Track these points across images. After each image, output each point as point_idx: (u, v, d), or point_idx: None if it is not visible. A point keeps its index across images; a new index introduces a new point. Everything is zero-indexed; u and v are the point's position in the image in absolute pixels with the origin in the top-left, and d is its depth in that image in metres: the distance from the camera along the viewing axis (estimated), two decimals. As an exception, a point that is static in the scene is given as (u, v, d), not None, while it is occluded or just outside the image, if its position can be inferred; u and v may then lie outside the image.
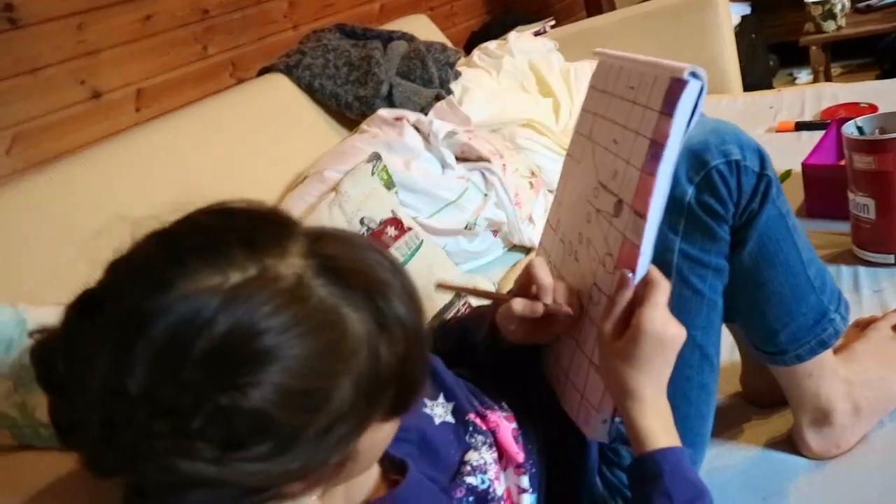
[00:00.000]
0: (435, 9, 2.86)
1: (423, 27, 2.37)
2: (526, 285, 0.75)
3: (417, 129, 1.57)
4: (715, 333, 0.81)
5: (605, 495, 0.81)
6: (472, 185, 1.53)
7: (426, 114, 1.78)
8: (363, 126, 1.64)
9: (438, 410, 0.75)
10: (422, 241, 1.36)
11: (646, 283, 0.66)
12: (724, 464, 0.68)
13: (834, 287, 0.85)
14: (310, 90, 1.84)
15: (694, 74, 0.64)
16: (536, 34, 2.33)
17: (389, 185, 1.43)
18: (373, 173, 1.41)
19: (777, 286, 0.80)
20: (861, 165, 1.12)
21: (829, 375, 0.84)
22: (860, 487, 0.85)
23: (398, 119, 1.57)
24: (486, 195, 1.54)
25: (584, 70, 2.18)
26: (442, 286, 0.82)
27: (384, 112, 1.62)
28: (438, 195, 1.49)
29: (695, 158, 0.76)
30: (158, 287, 0.44)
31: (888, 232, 1.15)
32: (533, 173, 1.74)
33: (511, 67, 2.13)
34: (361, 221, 1.33)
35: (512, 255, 1.63)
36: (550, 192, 1.77)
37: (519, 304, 0.72)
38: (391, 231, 1.34)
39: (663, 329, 0.64)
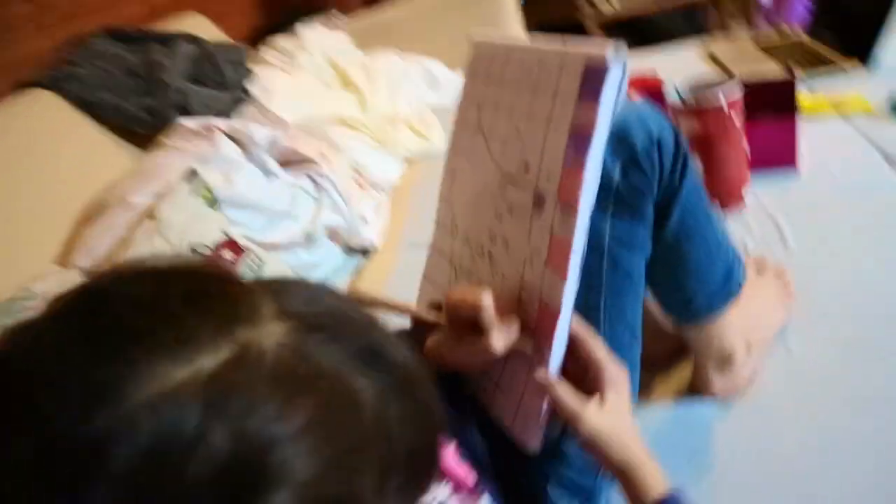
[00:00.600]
0: (207, 8, 2.63)
1: (202, 27, 2.15)
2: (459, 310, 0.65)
3: (231, 138, 1.40)
4: (640, 310, 0.80)
5: (562, 495, 0.76)
6: (302, 192, 1.40)
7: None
8: (163, 140, 1.44)
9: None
10: (263, 261, 1.22)
11: (574, 331, 0.63)
12: (644, 429, 0.69)
13: (730, 239, 0.88)
14: (85, 105, 1.58)
15: (614, 57, 0.60)
16: (328, 28, 2.23)
17: (213, 203, 1.26)
18: (192, 193, 1.23)
19: (696, 256, 0.82)
20: (687, 130, 1.19)
21: (728, 322, 0.89)
22: (764, 422, 0.92)
23: (207, 128, 1.39)
24: (317, 200, 1.42)
25: (384, 62, 2.13)
26: (362, 301, 0.71)
27: (188, 122, 1.43)
28: (268, 207, 1.34)
29: (617, 139, 0.74)
30: (101, 398, 0.30)
31: (713, 189, 1.22)
32: (357, 171, 1.65)
33: (309, 64, 2.01)
34: (192, 250, 1.15)
35: (351, 260, 1.53)
36: (375, 187, 1.69)
37: (500, 342, 0.62)
38: (227, 255, 1.18)
39: (621, 371, 0.63)
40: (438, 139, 1.90)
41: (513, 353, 0.69)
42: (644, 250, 0.79)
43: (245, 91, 1.75)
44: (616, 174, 0.75)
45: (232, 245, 1.19)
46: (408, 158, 1.86)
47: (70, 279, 1.09)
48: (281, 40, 2.08)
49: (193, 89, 1.67)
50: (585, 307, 0.67)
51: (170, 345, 0.33)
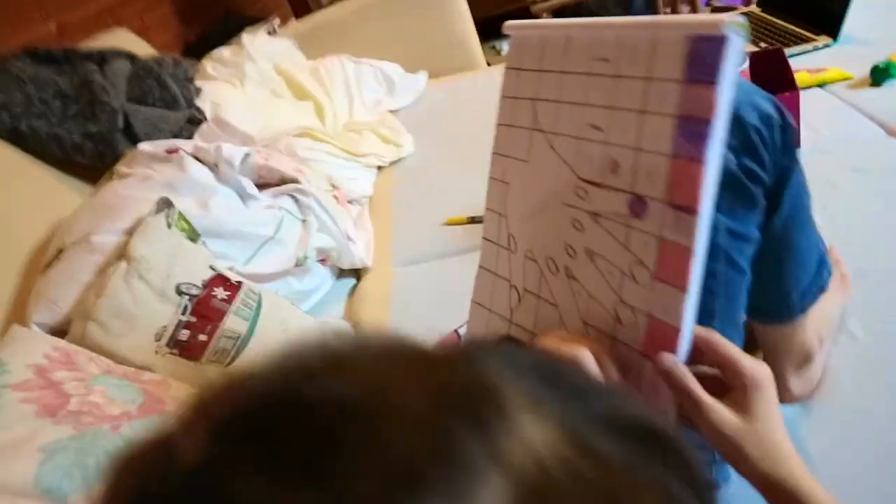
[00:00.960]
0: (123, 24, 2.41)
1: (130, 43, 1.95)
2: None
3: (199, 160, 1.24)
4: (744, 309, 0.73)
5: None
6: (287, 214, 1.26)
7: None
8: (122, 169, 1.26)
9: None
10: (259, 294, 1.07)
11: (701, 338, 0.54)
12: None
13: None
14: (15, 136, 1.38)
15: (731, 28, 0.52)
16: (269, 34, 2.06)
17: (193, 235, 1.11)
18: (169, 226, 1.07)
19: (800, 245, 0.74)
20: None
21: (811, 318, 0.81)
22: (843, 417, 0.85)
23: (172, 151, 1.23)
24: (304, 221, 1.28)
25: (334, 66, 1.99)
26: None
27: (148, 146, 1.26)
28: (252, 234, 1.20)
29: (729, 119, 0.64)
30: None
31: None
32: (333, 185, 1.51)
33: (256, 74, 1.85)
34: (179, 291, 1.00)
35: (344, 283, 1.40)
36: (352, 202, 1.56)
37: None
38: (220, 293, 1.03)
39: (765, 370, 0.53)
40: (408, 144, 1.78)
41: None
42: (755, 242, 0.70)
43: (197, 108, 1.58)
44: (731, 160, 0.66)
45: (223, 281, 1.04)
46: (379, 167, 1.73)
47: (40, 341, 0.92)
48: (225, 51, 1.91)
49: (139, 109, 1.49)
50: (700, 314, 0.58)
51: (449, 474, 0.21)
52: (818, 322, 0.84)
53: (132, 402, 0.78)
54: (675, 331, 0.54)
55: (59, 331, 1.02)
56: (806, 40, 1.71)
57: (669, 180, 0.54)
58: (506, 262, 0.71)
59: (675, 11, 2.63)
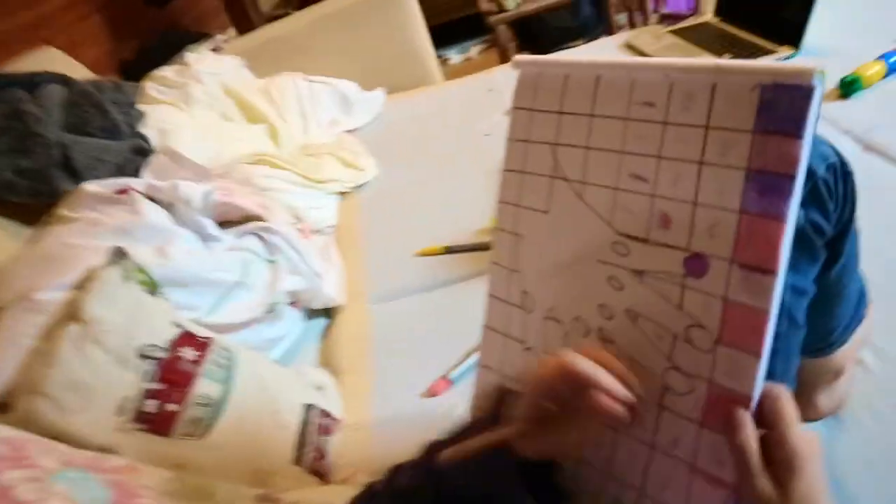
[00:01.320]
0: (49, 41, 2.23)
1: (60, 63, 1.79)
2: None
3: (153, 200, 1.12)
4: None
5: None
6: (253, 255, 1.15)
7: (127, 174, 1.32)
8: (64, 212, 1.13)
9: None
10: (233, 351, 0.96)
11: (770, 397, 0.48)
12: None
13: None
14: (-64, 178, 1.23)
15: (818, 78, 0.47)
16: (214, 52, 1.94)
17: (153, 288, 0.99)
18: (126, 279, 0.95)
19: (850, 290, 0.72)
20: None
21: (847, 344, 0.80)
22: (872, 435, 0.84)
23: (122, 192, 1.11)
24: (272, 262, 1.17)
25: (286, 84, 1.88)
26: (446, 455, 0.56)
27: (94, 186, 1.13)
28: (216, 280, 1.09)
29: None
30: None
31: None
32: (297, 217, 1.41)
33: (204, 95, 1.73)
34: (141, 355, 0.88)
35: (315, 324, 1.30)
36: (316, 232, 1.46)
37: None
38: (189, 354, 0.92)
39: (812, 445, 0.47)
40: (371, 167, 1.69)
41: (662, 454, 0.56)
42: (811, 294, 0.66)
43: (141, 136, 1.45)
44: (801, 215, 0.62)
45: (190, 340, 0.93)
46: (342, 193, 1.64)
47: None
48: (166, 71, 1.78)
49: (77, 140, 1.35)
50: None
51: None
52: (852, 346, 0.81)
53: (96, 500, 0.66)
54: (746, 398, 0.50)
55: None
56: (767, 51, 1.69)
57: (738, 238, 0.50)
58: (519, 323, 0.65)
59: (630, 18, 2.62)
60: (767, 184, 0.48)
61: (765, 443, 0.48)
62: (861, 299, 0.78)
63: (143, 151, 1.42)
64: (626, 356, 0.56)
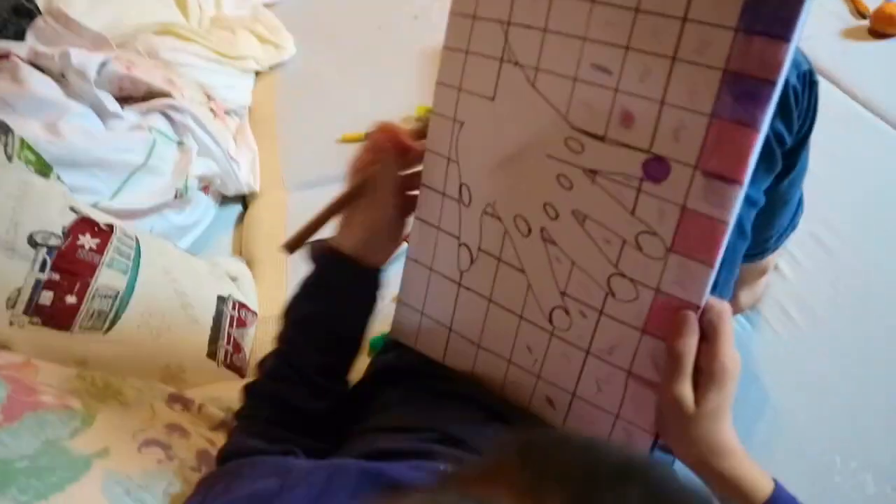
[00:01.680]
0: None
1: None
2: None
3: (39, 68, 0.99)
4: None
5: None
6: (160, 135, 1.05)
7: (6, 38, 1.16)
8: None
9: None
10: (137, 238, 0.89)
11: (715, 311, 0.48)
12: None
13: None
14: None
15: None
16: None
17: (44, 168, 0.89)
18: (10, 158, 0.85)
19: (794, 201, 0.72)
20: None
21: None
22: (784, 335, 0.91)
23: (2, 57, 0.97)
24: (181, 144, 1.08)
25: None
26: (290, 246, 0.63)
27: (-34, 50, 0.98)
28: (118, 161, 0.99)
29: None
30: None
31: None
32: (208, 96, 1.30)
33: (97, -48, 1.52)
34: (32, 242, 0.80)
35: (228, 211, 1.22)
36: (229, 114, 1.35)
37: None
38: (88, 242, 0.84)
39: (736, 365, 0.48)
40: (290, 45, 1.56)
41: (597, 359, 0.56)
42: (761, 204, 0.65)
43: (24, -5, 1.27)
44: None
45: (89, 226, 0.85)
46: (257, 73, 1.52)
47: None
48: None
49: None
50: None
51: None
52: (779, 251, 0.85)
53: (-8, 399, 0.61)
54: (694, 308, 0.49)
55: None
56: None
57: (706, 144, 0.46)
58: (454, 216, 0.61)
59: None
60: (745, 88, 0.44)
61: (697, 352, 0.48)
62: (799, 208, 0.78)
63: (25, 12, 1.25)
64: (569, 259, 0.54)
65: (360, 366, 0.68)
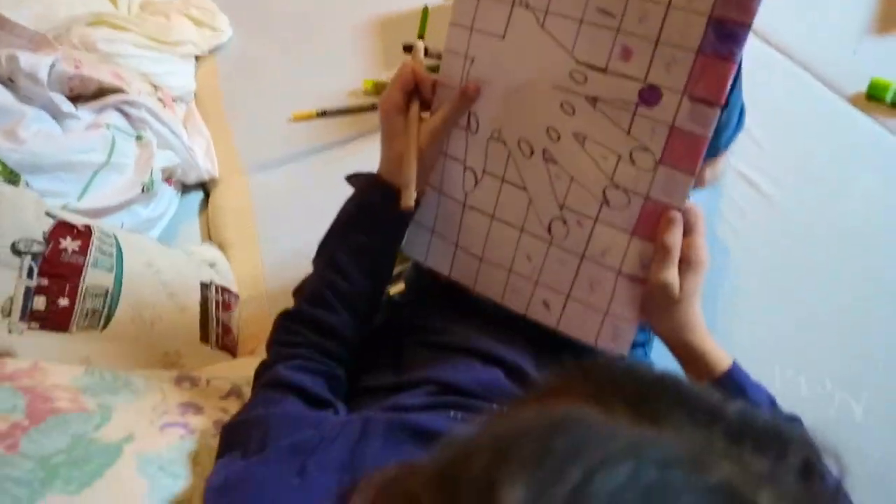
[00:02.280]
0: None
1: None
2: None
3: (-14, 76, 0.99)
4: None
5: None
6: (118, 132, 1.06)
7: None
8: None
9: None
10: (115, 236, 0.91)
11: (693, 212, 0.59)
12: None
13: None
14: None
15: None
16: None
17: (12, 176, 0.90)
18: (-22, 169, 0.85)
19: (738, 103, 0.85)
20: None
21: None
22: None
23: (-53, 68, 0.96)
24: (139, 138, 1.09)
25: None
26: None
27: None
28: (81, 162, 1.00)
29: None
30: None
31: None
32: (154, 85, 1.30)
33: (13, -55, 1.47)
34: (16, 251, 0.82)
35: (191, 199, 1.24)
36: (177, 101, 1.36)
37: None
38: (70, 245, 0.86)
39: (707, 254, 0.60)
40: (225, 27, 1.56)
41: (590, 262, 0.64)
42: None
43: (-52, -2, 1.23)
44: None
45: (68, 229, 0.87)
46: (197, 57, 1.51)
47: None
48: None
49: None
50: None
51: None
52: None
53: (14, 408, 0.64)
54: (677, 210, 0.59)
55: None
56: None
57: (693, 74, 0.56)
58: (461, 143, 0.68)
59: None
60: (725, 30, 0.54)
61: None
62: (742, 111, 0.91)
63: (-46, 16, 1.22)
64: (568, 176, 0.63)
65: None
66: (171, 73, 1.39)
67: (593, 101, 0.60)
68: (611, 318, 0.64)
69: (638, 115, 0.58)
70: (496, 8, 0.63)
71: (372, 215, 0.67)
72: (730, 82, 0.55)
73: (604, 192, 0.61)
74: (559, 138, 0.62)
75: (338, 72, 1.39)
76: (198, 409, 0.73)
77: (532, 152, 0.64)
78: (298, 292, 0.70)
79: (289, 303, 1.03)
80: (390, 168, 0.66)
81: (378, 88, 1.33)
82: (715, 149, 0.95)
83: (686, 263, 0.58)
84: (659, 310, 0.60)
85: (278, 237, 1.13)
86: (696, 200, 0.59)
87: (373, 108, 1.31)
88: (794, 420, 0.59)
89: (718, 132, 0.86)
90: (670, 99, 0.57)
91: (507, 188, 0.66)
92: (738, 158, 1.13)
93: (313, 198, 1.18)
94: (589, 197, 0.62)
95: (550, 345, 0.68)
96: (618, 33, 0.58)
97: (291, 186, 1.22)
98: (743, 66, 0.80)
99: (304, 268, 1.10)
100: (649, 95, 0.58)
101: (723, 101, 0.55)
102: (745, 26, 0.53)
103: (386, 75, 1.36)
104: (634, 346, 0.77)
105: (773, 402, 0.62)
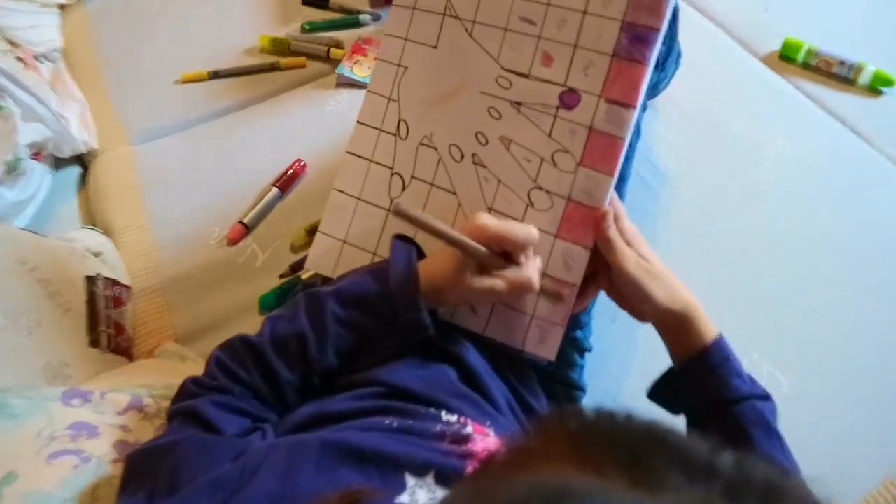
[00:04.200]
0: None
1: None
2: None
3: None
4: None
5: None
6: (-30, 103, 0.92)
7: None
8: None
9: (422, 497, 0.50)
10: (-24, 230, 0.79)
11: (615, 204, 0.63)
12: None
13: None
14: None
15: None
16: None
17: None
18: None
19: (671, 68, 0.93)
20: None
21: None
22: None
23: None
24: (1, 110, 0.95)
25: None
26: (402, 214, 0.58)
27: None
28: (-74, 140, 0.86)
29: None
30: None
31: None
32: (10, 42, 1.14)
33: None
34: None
35: (66, 176, 1.11)
36: (41, 59, 1.20)
37: (535, 272, 0.60)
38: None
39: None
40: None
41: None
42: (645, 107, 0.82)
43: None
44: None
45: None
46: (62, 6, 1.34)
47: None
48: None
49: None
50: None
51: None
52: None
53: None
54: (599, 212, 0.62)
55: None
56: None
57: (608, 77, 0.60)
58: (388, 149, 0.70)
59: None
60: (637, 34, 0.59)
61: None
62: (679, 57, 0.95)
63: None
64: (496, 178, 0.65)
65: (256, 324, 0.67)
66: (31, 27, 1.22)
67: (517, 105, 0.64)
68: (537, 321, 0.64)
69: (559, 117, 0.63)
70: (429, 19, 0.68)
71: (389, 313, 0.60)
72: (643, 85, 0.59)
73: (529, 194, 0.64)
74: (487, 142, 0.66)
75: (230, 27, 1.27)
76: (92, 431, 0.65)
77: (462, 157, 0.67)
78: (272, 323, 0.63)
79: (191, 292, 0.96)
80: (436, 285, 0.60)
81: (276, 45, 1.22)
82: (654, 94, 1.02)
83: (631, 244, 0.61)
84: (642, 290, 0.60)
85: (171, 217, 1.03)
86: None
87: (271, 68, 1.20)
88: (768, 398, 0.62)
89: (657, 84, 0.96)
90: (588, 102, 0.61)
91: (436, 192, 0.68)
92: (656, 120, 1.12)
93: (207, 170, 1.09)
94: (515, 199, 0.65)
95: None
96: (539, 40, 0.63)
97: (182, 157, 1.11)
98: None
99: (203, 249, 1.01)
100: (569, 99, 0.62)
101: (637, 103, 0.59)
102: (656, 31, 0.58)
103: (285, 31, 1.25)
104: (574, 327, 0.77)
105: (751, 379, 0.62)
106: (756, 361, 0.87)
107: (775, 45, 1.20)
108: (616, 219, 0.61)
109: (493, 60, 0.65)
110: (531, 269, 0.60)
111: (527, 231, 0.59)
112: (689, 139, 1.11)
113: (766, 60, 1.21)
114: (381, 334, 0.60)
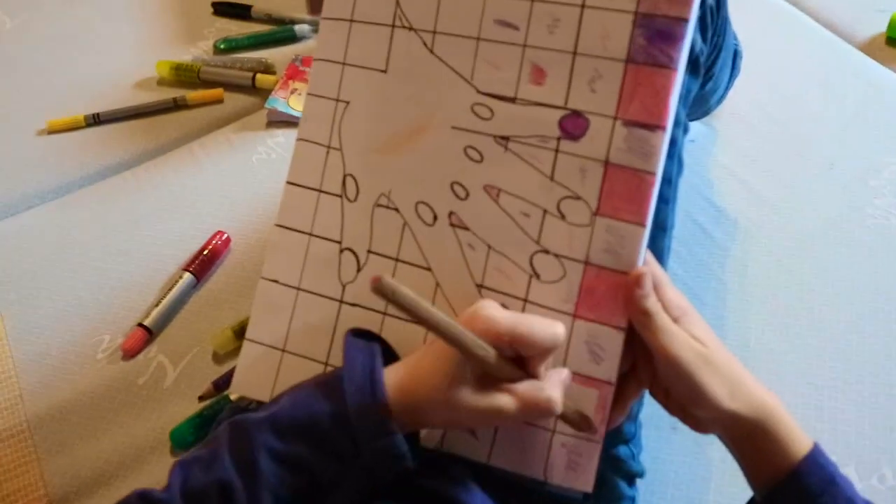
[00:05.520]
0: None
1: None
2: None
3: None
4: None
5: None
6: None
7: None
8: None
9: None
10: None
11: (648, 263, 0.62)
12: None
13: None
14: None
15: None
16: None
17: None
18: None
19: (721, 78, 0.99)
20: None
21: None
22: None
23: None
24: None
25: None
26: (385, 293, 0.53)
27: None
28: None
29: None
30: None
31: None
32: None
33: None
34: None
35: None
36: None
37: (558, 389, 0.58)
38: None
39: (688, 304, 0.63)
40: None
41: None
42: (689, 126, 0.83)
43: None
44: (698, 46, 0.75)
45: None
46: None
47: None
48: None
49: None
50: (653, 227, 0.65)
51: None
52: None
53: None
54: (631, 276, 0.61)
55: None
56: None
57: (623, 92, 0.60)
58: (334, 216, 0.71)
59: None
60: (657, 29, 0.58)
61: None
62: (738, 53, 1.01)
63: None
64: (484, 244, 0.65)
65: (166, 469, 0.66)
66: None
67: (504, 140, 0.64)
68: (563, 439, 0.63)
69: (561, 152, 0.62)
70: (373, 33, 0.68)
71: (348, 444, 0.58)
72: (673, 96, 0.58)
73: (531, 261, 0.63)
74: (467, 195, 0.66)
75: (116, 49, 1.33)
76: None
77: (435, 218, 0.67)
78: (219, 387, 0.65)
79: (66, 434, 0.94)
80: (417, 401, 0.59)
81: (180, 74, 1.27)
82: (705, 111, 1.07)
83: (678, 321, 0.60)
84: (695, 391, 0.59)
85: (37, 325, 1.05)
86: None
87: (175, 105, 1.23)
88: None
89: (706, 97, 1.00)
90: (599, 127, 0.60)
91: (405, 270, 0.68)
92: (713, 144, 1.14)
93: (88, 254, 1.11)
94: (514, 269, 0.64)
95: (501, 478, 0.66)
96: (525, 49, 0.63)
97: (51, 238, 1.15)
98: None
99: (87, 368, 1.01)
100: (573, 125, 0.61)
101: (667, 123, 0.58)
102: (683, 21, 0.57)
103: (191, 53, 1.29)
104: (615, 442, 0.77)
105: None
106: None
107: (879, 27, 1.23)
108: (656, 287, 0.60)
109: (466, 82, 0.65)
110: (553, 383, 0.58)
111: (553, 330, 0.57)
112: (764, 168, 1.12)
113: (867, 48, 1.24)
114: (337, 475, 0.59)
